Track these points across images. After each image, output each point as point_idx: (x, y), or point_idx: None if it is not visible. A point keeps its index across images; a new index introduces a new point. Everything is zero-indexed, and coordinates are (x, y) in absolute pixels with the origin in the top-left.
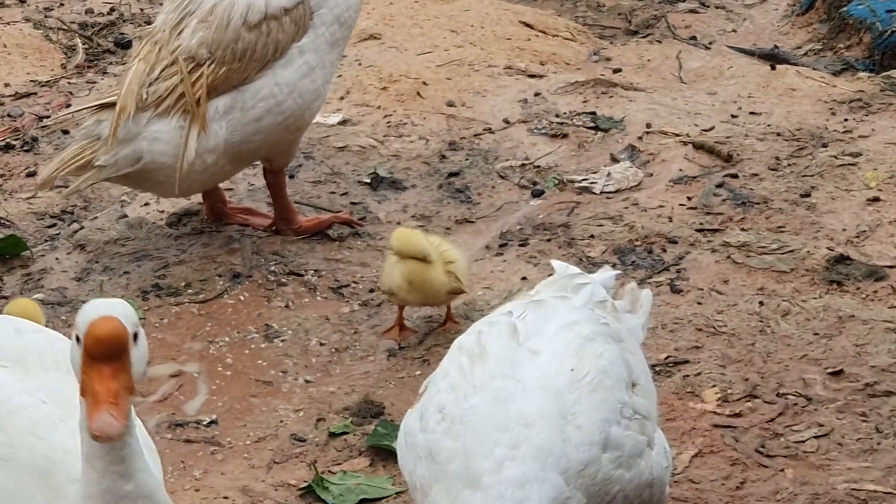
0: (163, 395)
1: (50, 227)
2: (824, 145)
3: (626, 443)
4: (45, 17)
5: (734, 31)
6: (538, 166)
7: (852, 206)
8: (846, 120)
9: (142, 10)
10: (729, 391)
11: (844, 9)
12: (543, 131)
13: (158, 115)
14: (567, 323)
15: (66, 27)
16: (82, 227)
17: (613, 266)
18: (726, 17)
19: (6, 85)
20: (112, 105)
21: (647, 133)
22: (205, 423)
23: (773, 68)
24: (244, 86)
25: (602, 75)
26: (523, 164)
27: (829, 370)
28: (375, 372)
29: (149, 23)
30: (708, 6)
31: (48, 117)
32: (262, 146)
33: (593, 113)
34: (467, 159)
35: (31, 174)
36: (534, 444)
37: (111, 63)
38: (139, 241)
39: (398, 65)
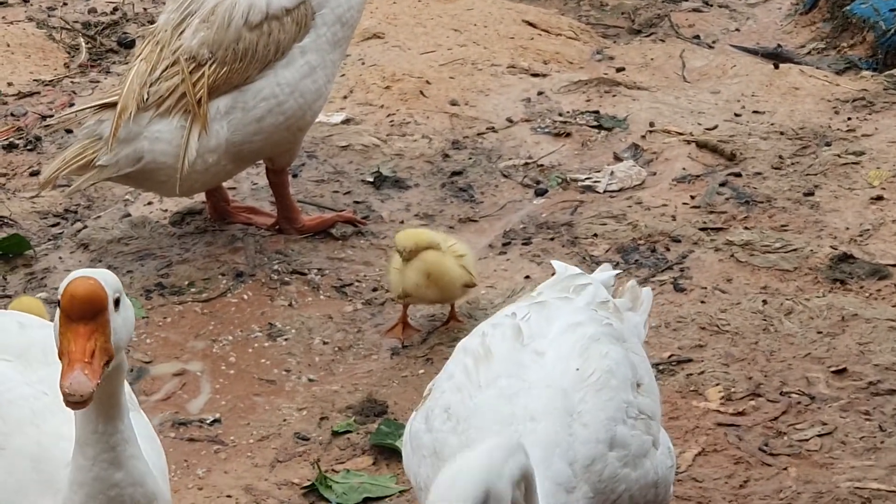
0: (166, 394)
1: (53, 226)
2: (828, 144)
3: (632, 442)
4: (49, 16)
5: (737, 30)
6: (541, 165)
7: (856, 205)
8: (849, 119)
9: (145, 9)
10: (732, 390)
11: (847, 8)
12: (547, 130)
13: (160, 115)
14: (571, 324)
15: (69, 26)
16: (85, 226)
17: (616, 265)
18: (730, 16)
19: (9, 84)
20: (114, 105)
21: (651, 132)
22: (208, 421)
23: (777, 67)
24: (246, 86)
25: (605, 74)
26: (526, 163)
27: (833, 369)
28: (379, 371)
29: (152, 22)
30: (711, 5)
31: (51, 116)
32: (264, 146)
33: (597, 112)
34: (470, 158)
35: (35, 173)
36: (540, 435)
37: (114, 62)
38: (142, 240)
39: (401, 64)
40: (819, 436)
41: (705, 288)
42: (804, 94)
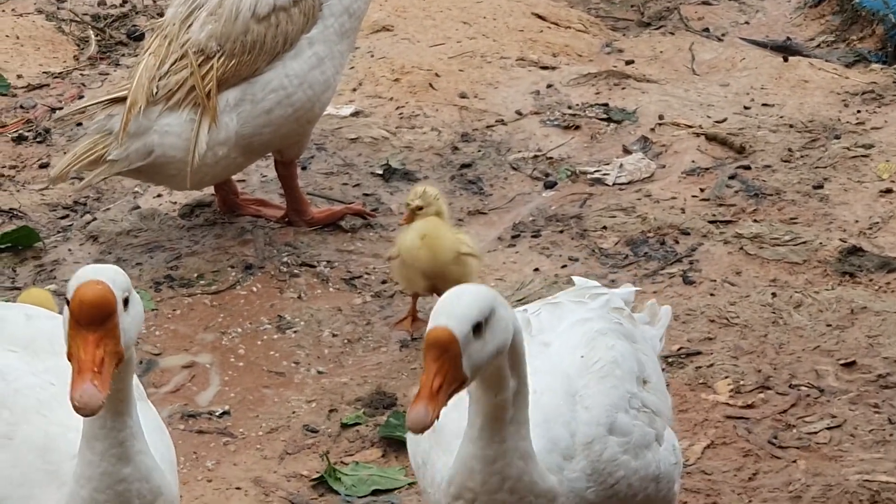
0: (175, 386)
1: (62, 218)
2: (837, 137)
3: (633, 431)
4: (58, 8)
5: (747, 22)
6: (551, 158)
7: (865, 198)
8: (859, 111)
9: (154, 1)
10: (741, 382)
11: (857, 0)
12: (556, 123)
13: (169, 108)
14: (580, 319)
15: (78, 19)
16: (95, 219)
17: (625, 257)
18: (739, 9)
19: (19, 76)
20: (123, 99)
21: (660, 125)
22: (217, 413)
23: (786, 60)
24: (254, 78)
25: (615, 67)
26: (536, 156)
27: (842, 361)
28: (388, 363)
29: (161, 15)
30: None
31: (61, 109)
32: (273, 138)
33: (606, 104)
34: (480, 151)
35: (44, 165)
36: (543, 405)
37: (123, 55)
38: (152, 233)
39: (410, 56)
40: (828, 429)
41: (714, 281)
42: (813, 86)
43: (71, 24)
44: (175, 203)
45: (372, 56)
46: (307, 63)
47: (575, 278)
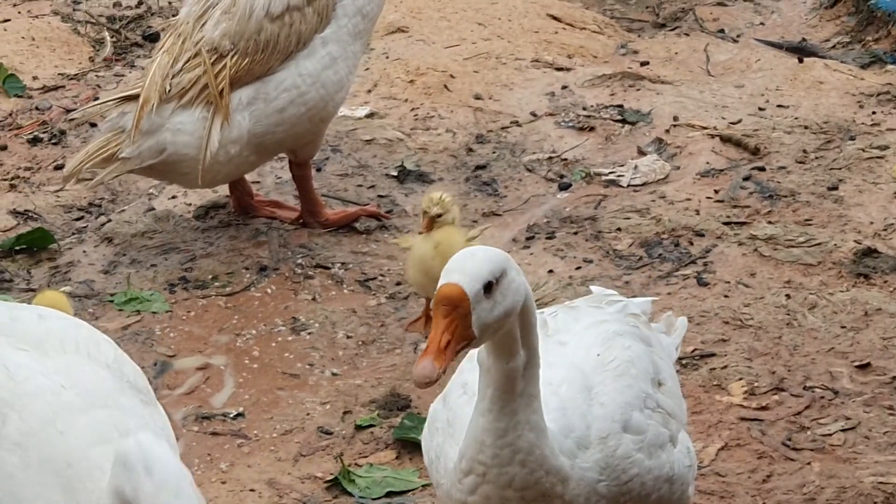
0: (190, 388)
1: (77, 219)
2: (852, 138)
3: (647, 430)
4: (74, 10)
5: (762, 23)
6: (565, 159)
7: (880, 199)
8: (874, 113)
9: (169, 2)
10: (755, 384)
11: (872, 1)
12: (571, 124)
13: (182, 106)
14: (596, 321)
15: (94, 20)
16: (110, 220)
17: (640, 259)
18: (754, 10)
19: (34, 78)
20: (136, 97)
21: (675, 126)
22: (231, 415)
23: (801, 61)
24: (267, 77)
25: (629, 68)
26: (550, 157)
27: (856, 363)
28: (402, 365)
29: (176, 16)
30: None
31: (76, 110)
32: (286, 137)
33: (620, 106)
34: (494, 152)
35: (59, 167)
36: (560, 397)
37: (139, 56)
38: (166, 234)
39: (425, 58)
40: (842, 430)
41: (729, 282)
42: (828, 88)
43: (86, 25)
44: (190, 205)
45: (387, 57)
46: (320, 63)
47: (593, 287)
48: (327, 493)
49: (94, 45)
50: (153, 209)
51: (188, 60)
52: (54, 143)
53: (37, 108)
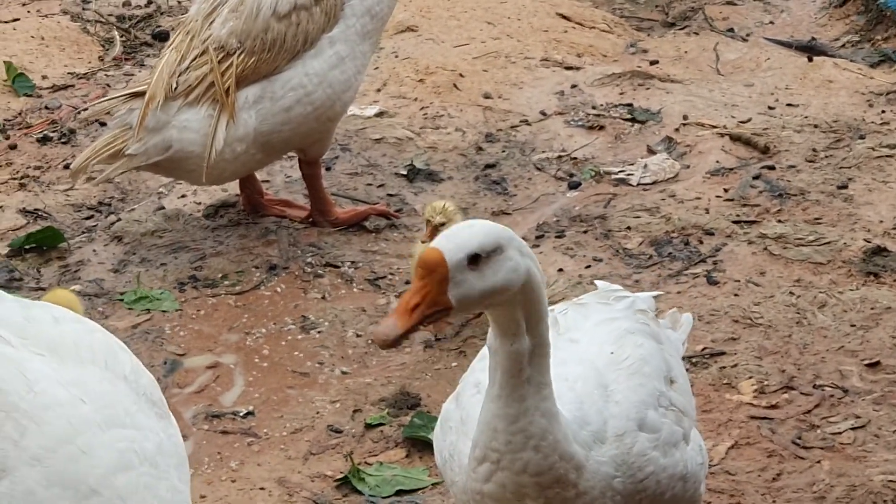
0: (199, 387)
1: (87, 218)
2: (861, 137)
3: (662, 428)
4: (83, 9)
5: (771, 22)
6: (575, 158)
7: (889, 198)
8: (883, 112)
9: (179, 1)
10: (765, 383)
11: (882, 1)
12: (580, 123)
13: (188, 104)
14: (607, 318)
15: (103, 20)
16: (119, 219)
17: (649, 258)
18: (764, 9)
19: (44, 77)
20: (144, 94)
21: (684, 125)
22: (241, 414)
23: (811, 60)
24: (274, 76)
25: (639, 67)
26: (560, 156)
27: (866, 362)
28: (412, 363)
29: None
30: None
31: (86, 110)
32: (293, 136)
33: (630, 105)
34: (504, 151)
35: (69, 166)
36: (576, 391)
37: (148, 55)
38: (176, 233)
39: (435, 57)
40: (852, 429)
41: (738, 281)
42: (838, 86)
43: (96, 24)
44: (199, 203)
45: (396, 56)
46: (327, 62)
47: (598, 282)
48: (337, 492)
49: (104, 44)
50: (163, 208)
51: (195, 58)
52: (64, 143)
53: (46, 108)
